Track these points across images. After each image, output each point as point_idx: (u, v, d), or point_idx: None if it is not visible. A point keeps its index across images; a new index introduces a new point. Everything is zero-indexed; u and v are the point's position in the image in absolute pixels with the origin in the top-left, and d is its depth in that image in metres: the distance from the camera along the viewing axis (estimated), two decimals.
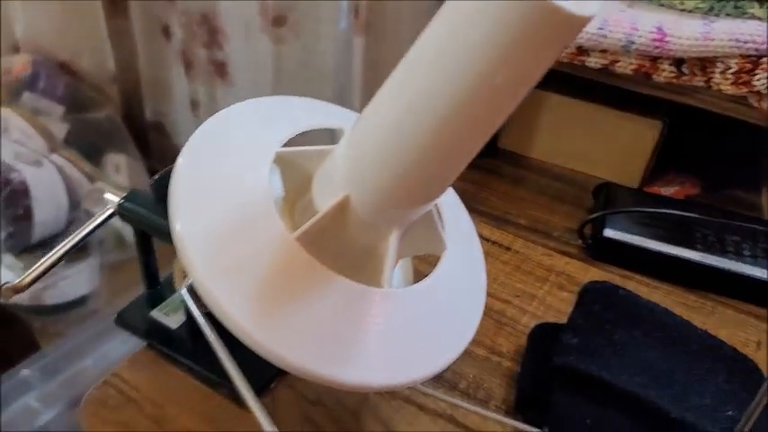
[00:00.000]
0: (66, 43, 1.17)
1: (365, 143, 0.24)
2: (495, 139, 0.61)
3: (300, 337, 0.25)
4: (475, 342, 0.40)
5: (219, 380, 0.36)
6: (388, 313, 0.26)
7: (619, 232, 0.47)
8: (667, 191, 0.56)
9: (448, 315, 0.29)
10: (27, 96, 1.06)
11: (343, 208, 0.25)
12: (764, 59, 0.41)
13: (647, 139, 0.54)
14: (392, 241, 0.26)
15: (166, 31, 1.22)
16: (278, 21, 1.03)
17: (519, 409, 0.36)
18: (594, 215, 0.48)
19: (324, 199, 0.26)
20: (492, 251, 0.49)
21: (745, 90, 0.42)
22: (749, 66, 0.42)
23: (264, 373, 0.36)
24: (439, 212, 0.31)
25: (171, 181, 0.26)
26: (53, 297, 0.93)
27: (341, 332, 0.25)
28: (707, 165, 0.61)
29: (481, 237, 0.50)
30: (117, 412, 0.34)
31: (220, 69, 1.16)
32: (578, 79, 0.51)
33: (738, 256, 0.46)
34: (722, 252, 0.46)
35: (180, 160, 0.27)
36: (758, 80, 0.41)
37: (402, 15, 0.80)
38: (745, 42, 0.41)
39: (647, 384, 0.32)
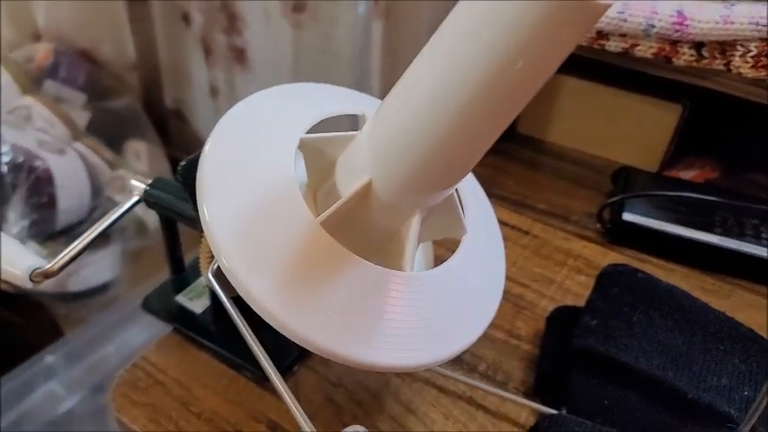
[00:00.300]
0: (87, 31, 1.19)
1: (388, 128, 0.25)
2: (513, 124, 0.61)
3: (325, 319, 0.25)
4: (494, 325, 0.41)
5: (243, 363, 0.37)
6: (410, 296, 0.27)
7: (637, 216, 0.47)
8: (686, 175, 0.56)
9: (468, 298, 0.29)
10: (49, 84, 1.08)
11: (366, 192, 0.26)
12: None
13: (667, 123, 0.54)
14: (414, 225, 0.27)
15: (186, 18, 1.23)
16: (298, 7, 1.03)
17: (538, 391, 0.36)
18: (613, 199, 0.48)
19: (347, 184, 0.27)
20: (510, 235, 0.49)
21: (764, 73, 0.42)
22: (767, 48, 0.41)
23: (286, 357, 0.37)
24: (459, 196, 0.31)
25: (198, 167, 0.27)
26: (76, 284, 0.95)
27: (364, 314, 0.26)
28: (726, 149, 0.60)
29: (500, 221, 0.50)
30: (146, 394, 0.35)
31: (240, 56, 1.17)
32: (598, 63, 0.51)
33: (757, 239, 0.46)
34: (740, 235, 0.46)
35: (207, 147, 0.28)
36: None
37: (421, 1, 0.79)
38: (765, 25, 0.41)
39: (664, 366, 0.33)
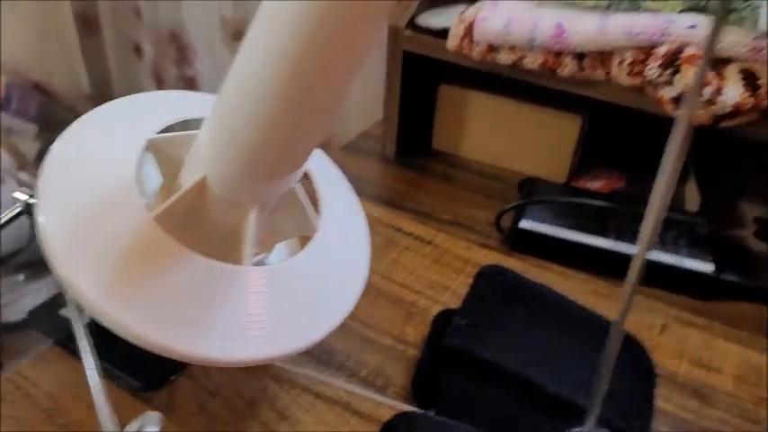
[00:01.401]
0: (40, 63, 1.19)
1: (216, 123, 0.25)
2: (428, 140, 0.63)
3: (158, 314, 0.25)
4: (382, 331, 0.41)
5: (120, 373, 0.36)
6: (248, 290, 0.27)
7: (534, 223, 0.48)
8: (593, 185, 0.57)
9: (317, 293, 0.30)
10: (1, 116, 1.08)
11: (201, 187, 0.26)
12: (656, 50, 0.42)
13: (569, 135, 0.55)
14: (251, 220, 0.27)
15: (138, 50, 1.25)
16: (237, 35, 1.05)
17: (414, 394, 0.36)
18: (508, 206, 0.49)
19: (186, 181, 0.27)
20: (413, 245, 0.49)
21: (638, 80, 0.43)
22: (642, 56, 0.43)
23: (165, 366, 0.37)
24: (315, 194, 0.32)
25: (38, 173, 0.27)
26: (15, 314, 0.93)
27: (198, 308, 0.26)
28: (633, 159, 0.62)
29: (403, 232, 0.51)
30: (13, 407, 0.35)
31: (191, 85, 1.18)
32: (502, 77, 0.52)
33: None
34: (633, 239, 0.47)
35: (50, 154, 0.28)
36: (649, 69, 0.42)
37: None
38: (638, 34, 0.43)
39: (527, 362, 0.33)
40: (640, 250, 0.23)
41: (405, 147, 0.61)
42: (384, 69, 0.56)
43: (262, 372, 0.38)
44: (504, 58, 0.48)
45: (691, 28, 0.41)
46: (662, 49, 0.42)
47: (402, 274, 0.46)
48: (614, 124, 0.65)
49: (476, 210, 0.54)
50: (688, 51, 0.41)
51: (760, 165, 0.56)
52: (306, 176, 0.32)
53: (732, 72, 0.41)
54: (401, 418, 0.29)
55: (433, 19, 0.53)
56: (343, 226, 0.34)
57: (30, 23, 1.12)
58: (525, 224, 0.48)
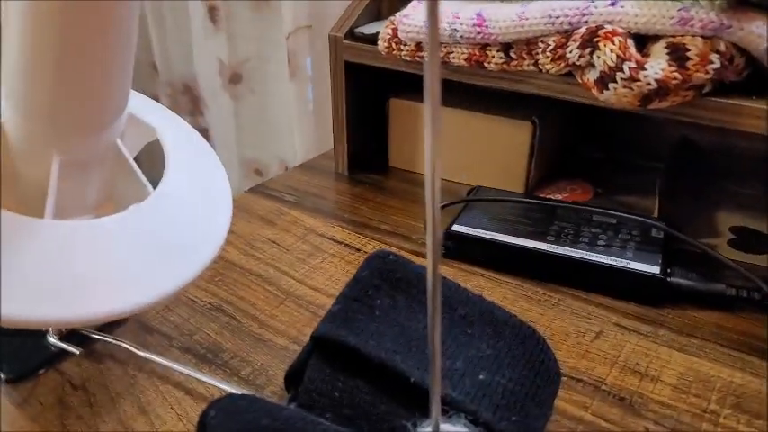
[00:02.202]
0: None
1: (2, 71, 0.24)
2: (385, 158, 0.61)
3: None
4: (278, 333, 0.38)
5: None
6: (46, 245, 0.25)
7: (467, 227, 0.45)
8: (556, 197, 0.53)
9: (143, 252, 0.27)
10: None
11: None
12: (576, 32, 0.40)
13: (521, 142, 0.52)
14: (53, 171, 0.25)
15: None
16: (234, 78, 1.08)
17: (286, 387, 0.33)
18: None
19: None
20: (340, 252, 0.47)
21: (562, 65, 0.40)
22: (563, 40, 0.40)
23: (32, 358, 0.35)
24: (167, 162, 0.30)
25: None
26: None
27: None
28: (601, 171, 0.58)
29: (334, 240, 0.49)
30: None
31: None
32: (452, 87, 0.50)
33: (591, 246, 0.42)
34: (574, 243, 0.42)
35: None
36: (570, 52, 0.39)
37: None
38: (558, 17, 0.40)
39: (396, 350, 0.29)
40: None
41: (361, 164, 0.59)
42: None
43: (135, 367, 0.35)
44: None
45: (611, 5, 0.39)
46: (581, 30, 0.39)
47: (320, 279, 0.43)
48: (576, 131, 0.61)
49: (416, 220, 0.51)
50: (606, 29, 0.38)
51: (739, 173, 0.51)
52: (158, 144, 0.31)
53: (658, 47, 0.38)
54: (217, 401, 0.26)
55: (371, 28, 0.52)
56: (190, 189, 0.31)
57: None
58: (457, 228, 0.45)
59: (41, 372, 0.35)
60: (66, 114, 0.25)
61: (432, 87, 0.18)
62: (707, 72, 0.37)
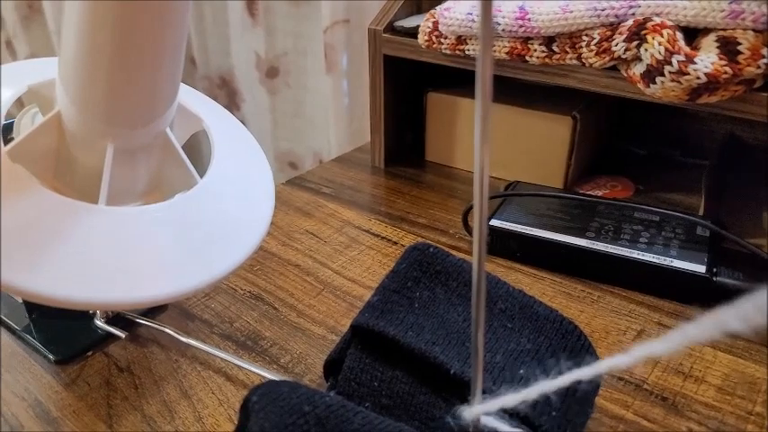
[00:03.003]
0: None
1: (60, 60, 0.25)
2: (422, 151, 0.61)
3: (7, 251, 0.25)
4: (316, 322, 0.39)
5: (38, 344, 0.36)
6: (99, 230, 0.26)
7: (505, 222, 0.44)
8: (595, 194, 0.53)
9: (191, 239, 0.28)
10: None
11: (56, 123, 0.26)
12: (622, 24, 0.39)
13: (561, 137, 0.52)
14: (107, 158, 0.26)
15: None
16: (270, 72, 1.09)
17: (325, 376, 0.33)
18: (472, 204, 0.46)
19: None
20: (376, 245, 0.47)
21: (607, 58, 0.40)
22: (609, 33, 0.39)
23: (80, 340, 0.36)
24: (212, 148, 0.31)
25: None
26: None
27: (42, 244, 0.25)
28: (644, 167, 0.57)
29: (371, 233, 0.49)
30: None
31: None
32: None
33: (633, 243, 0.41)
34: (615, 240, 0.42)
35: None
36: (616, 45, 0.39)
37: None
38: (603, 10, 0.39)
39: (434, 341, 0.29)
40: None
41: (398, 157, 0.59)
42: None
43: (177, 352, 0.36)
44: (473, 49, 0.46)
45: None
46: (628, 22, 0.39)
47: (357, 271, 0.44)
48: (618, 126, 0.60)
49: (454, 215, 0.51)
50: (654, 21, 0.37)
51: None
52: (204, 134, 0.32)
53: (708, 41, 0.37)
54: (259, 387, 0.26)
55: (410, 21, 0.52)
56: (235, 179, 0.32)
57: None
58: (495, 222, 0.44)
59: (89, 354, 0.36)
60: (119, 106, 0.25)
61: (483, 84, 0.18)
62: (758, 66, 0.36)
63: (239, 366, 0.34)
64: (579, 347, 0.30)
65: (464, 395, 0.27)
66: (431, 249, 0.33)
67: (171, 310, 0.40)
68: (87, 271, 0.25)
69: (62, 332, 0.37)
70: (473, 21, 0.44)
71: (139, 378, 0.34)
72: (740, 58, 0.35)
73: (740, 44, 0.36)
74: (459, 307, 0.31)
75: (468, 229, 0.46)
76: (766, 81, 0.37)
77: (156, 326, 0.37)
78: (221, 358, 0.35)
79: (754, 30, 0.36)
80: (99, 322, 0.37)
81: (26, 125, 0.29)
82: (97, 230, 0.25)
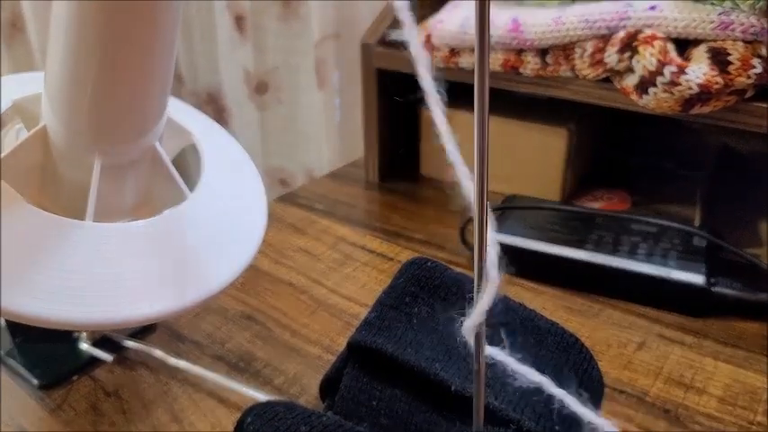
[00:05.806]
0: None
1: (45, 74, 0.25)
2: (416, 166, 0.60)
3: None
4: (312, 341, 0.38)
5: (21, 369, 0.35)
6: (87, 247, 0.25)
7: (503, 235, 0.44)
8: (592, 206, 0.52)
9: (177, 258, 0.27)
10: None
11: (42, 138, 0.25)
12: (614, 36, 0.39)
13: (557, 150, 0.51)
14: (94, 174, 0.25)
15: None
16: (260, 88, 1.09)
17: (321, 396, 0.32)
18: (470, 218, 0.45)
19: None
20: (372, 261, 0.46)
21: (600, 70, 0.40)
22: (602, 45, 0.39)
23: (65, 364, 0.35)
24: (202, 165, 0.30)
25: None
26: None
27: (27, 262, 0.24)
28: (640, 179, 0.56)
29: (366, 249, 0.48)
30: None
31: None
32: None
33: (632, 255, 0.41)
34: (613, 252, 0.41)
35: None
36: (608, 56, 0.39)
37: None
38: (596, 22, 0.39)
39: (435, 358, 0.28)
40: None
41: (392, 172, 0.59)
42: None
43: (167, 375, 0.35)
44: (466, 61, 0.46)
45: (651, 9, 0.38)
46: (620, 34, 0.39)
47: (352, 288, 0.43)
48: (613, 138, 0.60)
49: (451, 230, 0.50)
50: (646, 33, 0.37)
51: None
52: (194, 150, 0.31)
53: (699, 52, 0.37)
54: (254, 407, 0.25)
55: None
56: (226, 194, 0.31)
57: None
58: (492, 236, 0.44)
59: (74, 378, 0.35)
60: (107, 121, 0.25)
61: (480, 98, 0.18)
62: (749, 76, 0.36)
63: (232, 388, 0.33)
64: (581, 360, 0.29)
65: (465, 412, 0.26)
66: (429, 264, 0.32)
67: (160, 331, 0.39)
68: (73, 289, 0.24)
69: (46, 356, 0.35)
70: (465, 33, 0.44)
71: (127, 402, 0.33)
72: (731, 68, 0.35)
73: (730, 55, 0.36)
74: (456, 322, 0.30)
75: (467, 245, 0.46)
76: (757, 91, 0.37)
77: (144, 347, 0.36)
78: (213, 380, 0.34)
79: (743, 41, 0.36)
80: (85, 345, 0.36)
81: (11, 141, 0.28)
82: (83, 248, 0.25)
